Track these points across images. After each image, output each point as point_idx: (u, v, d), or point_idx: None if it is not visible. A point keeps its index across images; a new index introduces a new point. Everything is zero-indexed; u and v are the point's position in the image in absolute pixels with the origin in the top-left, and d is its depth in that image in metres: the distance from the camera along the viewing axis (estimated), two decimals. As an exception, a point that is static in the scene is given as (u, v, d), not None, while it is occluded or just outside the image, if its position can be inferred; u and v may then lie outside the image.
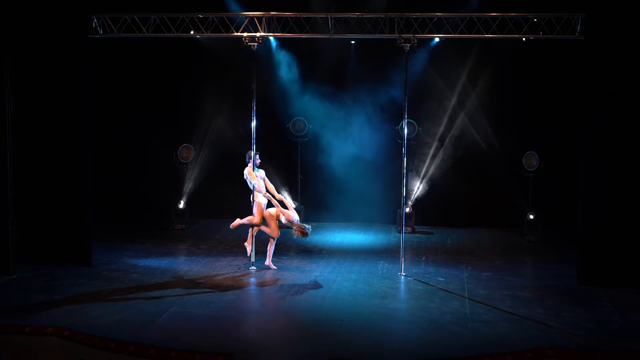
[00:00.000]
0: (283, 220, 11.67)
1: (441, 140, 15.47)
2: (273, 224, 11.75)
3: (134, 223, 15.31)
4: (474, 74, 15.15)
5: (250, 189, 11.98)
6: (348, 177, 15.57)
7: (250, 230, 12.02)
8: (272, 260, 11.90)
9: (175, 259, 12.77)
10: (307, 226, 11.61)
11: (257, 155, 11.94)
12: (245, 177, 11.99)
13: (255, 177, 11.86)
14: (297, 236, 11.71)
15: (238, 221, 11.96)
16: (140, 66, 15.26)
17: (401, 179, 11.86)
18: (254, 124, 11.85)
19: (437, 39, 13.08)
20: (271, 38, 13.93)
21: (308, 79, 15.33)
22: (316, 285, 11.01)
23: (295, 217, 11.63)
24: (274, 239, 11.85)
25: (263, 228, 11.87)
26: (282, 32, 11.78)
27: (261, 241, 12.25)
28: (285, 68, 15.30)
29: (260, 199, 11.91)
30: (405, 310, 9.98)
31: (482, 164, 15.33)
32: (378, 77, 15.15)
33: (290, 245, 13.57)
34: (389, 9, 12.86)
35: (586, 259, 11.09)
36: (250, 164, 11.90)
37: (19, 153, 11.40)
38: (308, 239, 11.84)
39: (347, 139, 15.53)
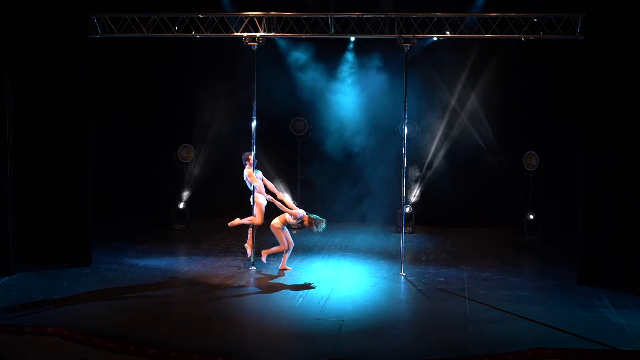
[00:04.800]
0: (292, 220, 11.62)
1: (441, 140, 15.46)
2: (281, 236, 11.66)
3: (134, 223, 15.30)
4: (474, 73, 15.13)
5: (250, 190, 11.98)
6: (348, 177, 15.56)
7: (249, 231, 12.02)
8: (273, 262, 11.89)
9: (175, 259, 12.77)
10: (316, 217, 11.54)
11: (251, 158, 11.94)
12: (245, 178, 11.99)
13: (256, 178, 11.85)
14: (316, 230, 11.55)
15: (238, 220, 11.95)
16: (140, 66, 15.25)
17: (401, 179, 11.86)
18: (254, 124, 11.85)
19: (434, 38, 13.06)
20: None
21: (309, 78, 15.31)
22: (316, 285, 11.01)
23: (300, 212, 11.58)
24: (287, 251, 11.78)
25: (274, 249, 11.79)
26: (282, 32, 11.78)
27: (261, 242, 12.24)
28: (286, 67, 15.29)
29: (260, 199, 11.91)
30: (405, 310, 9.99)
31: (482, 164, 15.31)
32: (378, 75, 15.14)
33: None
34: (391, 8, 12.84)
35: (586, 259, 11.09)
36: (248, 166, 11.90)
37: (19, 153, 11.40)
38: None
39: (347, 139, 15.52)
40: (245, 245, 12.09)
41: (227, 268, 11.99)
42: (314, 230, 11.57)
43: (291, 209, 11.64)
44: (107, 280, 11.17)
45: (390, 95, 15.05)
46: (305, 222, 11.57)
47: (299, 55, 15.20)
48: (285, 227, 11.67)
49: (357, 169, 15.58)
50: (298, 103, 15.50)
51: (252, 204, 11.96)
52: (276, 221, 11.62)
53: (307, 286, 10.85)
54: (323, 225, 11.54)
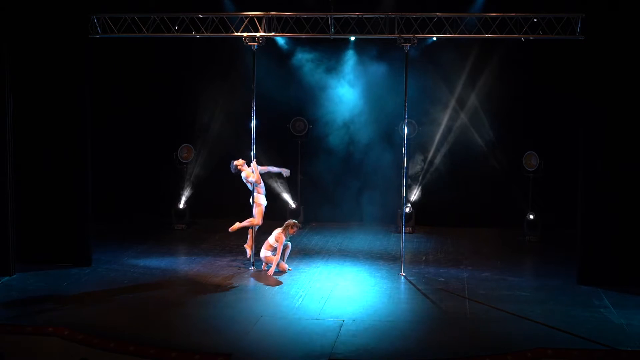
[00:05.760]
0: (276, 242, 11.67)
1: (441, 140, 15.46)
2: (276, 263, 11.71)
3: (133, 223, 15.29)
4: (474, 73, 15.13)
5: (249, 190, 11.96)
6: (348, 177, 15.56)
7: (249, 232, 12.00)
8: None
9: (175, 259, 12.77)
10: (292, 223, 11.77)
11: (239, 161, 11.95)
12: (244, 180, 11.96)
13: (259, 175, 11.80)
14: (297, 228, 11.82)
15: (237, 225, 11.94)
16: (140, 66, 15.25)
17: (401, 179, 11.86)
18: (253, 124, 11.85)
19: (434, 38, 13.05)
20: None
21: (309, 78, 15.31)
22: (316, 285, 11.01)
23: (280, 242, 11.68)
24: (287, 251, 11.86)
25: (274, 264, 11.78)
26: (282, 32, 11.78)
27: (261, 242, 12.21)
28: (286, 67, 15.28)
29: (260, 200, 11.90)
30: (405, 310, 9.98)
31: (482, 164, 15.31)
32: (378, 76, 15.14)
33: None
34: (392, 8, 12.83)
35: (586, 259, 11.09)
36: (242, 170, 11.86)
37: (19, 153, 11.39)
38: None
39: (347, 139, 15.52)
40: (245, 246, 12.08)
41: (227, 268, 11.99)
42: (292, 234, 11.77)
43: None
44: (107, 280, 11.18)
45: (390, 95, 15.04)
46: (292, 232, 11.73)
47: (299, 55, 15.20)
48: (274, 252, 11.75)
49: (358, 168, 15.58)
50: (298, 103, 15.49)
51: (252, 203, 11.95)
52: (266, 252, 11.68)
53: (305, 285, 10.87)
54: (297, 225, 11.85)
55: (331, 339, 8.70)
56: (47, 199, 11.80)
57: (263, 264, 11.86)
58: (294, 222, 11.84)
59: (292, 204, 15.34)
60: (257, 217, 11.90)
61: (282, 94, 15.13)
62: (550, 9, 11.42)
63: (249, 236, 12.00)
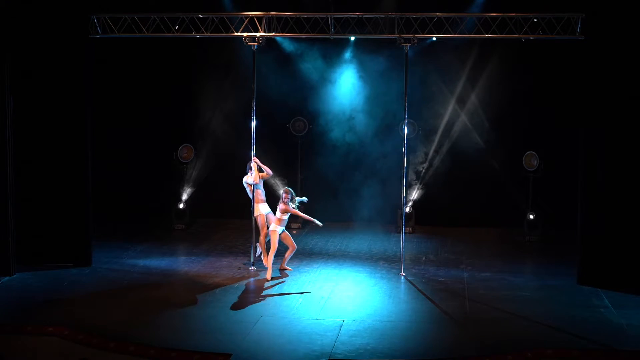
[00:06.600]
0: (284, 212, 11.59)
1: (441, 140, 15.46)
2: (288, 240, 11.65)
3: (134, 223, 15.29)
4: (474, 73, 15.12)
5: (249, 197, 11.91)
6: (348, 177, 15.55)
7: (261, 239, 11.92)
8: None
9: (175, 259, 12.77)
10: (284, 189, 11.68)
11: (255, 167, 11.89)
12: (244, 183, 11.94)
13: (257, 178, 11.77)
14: (288, 201, 11.56)
15: (264, 256, 11.77)
16: (140, 66, 15.24)
17: (401, 179, 11.86)
18: (254, 124, 11.85)
19: (434, 38, 13.04)
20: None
21: (309, 77, 15.31)
22: (316, 285, 11.01)
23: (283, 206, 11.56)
24: (289, 252, 11.79)
25: (287, 255, 11.71)
26: (282, 32, 11.78)
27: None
28: (286, 67, 15.28)
29: (261, 210, 11.84)
30: (405, 310, 9.98)
31: (482, 164, 15.30)
32: (378, 75, 15.13)
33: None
34: (392, 8, 12.83)
35: (586, 259, 11.10)
36: (250, 173, 11.83)
37: (19, 153, 11.40)
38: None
39: (347, 139, 15.52)
40: (258, 244, 12.01)
41: (227, 268, 11.99)
42: (287, 200, 11.53)
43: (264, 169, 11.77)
44: (107, 280, 11.18)
45: (390, 95, 15.03)
46: (285, 198, 11.53)
47: (299, 56, 15.19)
48: (284, 229, 11.66)
49: (357, 168, 15.57)
50: (298, 103, 15.48)
51: (252, 211, 11.87)
52: (273, 226, 11.60)
53: (304, 291, 10.87)
54: (296, 201, 11.69)
55: (331, 339, 8.71)
56: (47, 199, 11.80)
57: (261, 252, 11.77)
58: (286, 189, 11.63)
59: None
60: (262, 229, 11.80)
61: (282, 94, 15.12)
62: (550, 9, 11.43)
63: (260, 238, 11.87)
